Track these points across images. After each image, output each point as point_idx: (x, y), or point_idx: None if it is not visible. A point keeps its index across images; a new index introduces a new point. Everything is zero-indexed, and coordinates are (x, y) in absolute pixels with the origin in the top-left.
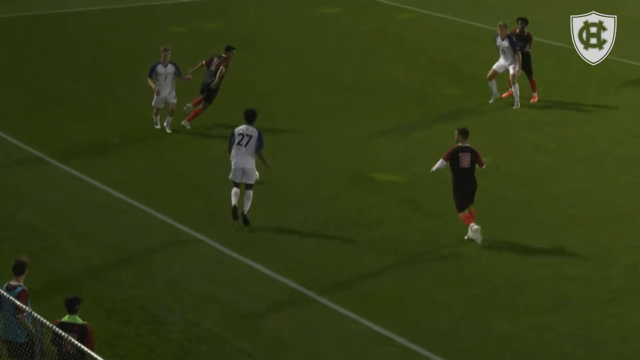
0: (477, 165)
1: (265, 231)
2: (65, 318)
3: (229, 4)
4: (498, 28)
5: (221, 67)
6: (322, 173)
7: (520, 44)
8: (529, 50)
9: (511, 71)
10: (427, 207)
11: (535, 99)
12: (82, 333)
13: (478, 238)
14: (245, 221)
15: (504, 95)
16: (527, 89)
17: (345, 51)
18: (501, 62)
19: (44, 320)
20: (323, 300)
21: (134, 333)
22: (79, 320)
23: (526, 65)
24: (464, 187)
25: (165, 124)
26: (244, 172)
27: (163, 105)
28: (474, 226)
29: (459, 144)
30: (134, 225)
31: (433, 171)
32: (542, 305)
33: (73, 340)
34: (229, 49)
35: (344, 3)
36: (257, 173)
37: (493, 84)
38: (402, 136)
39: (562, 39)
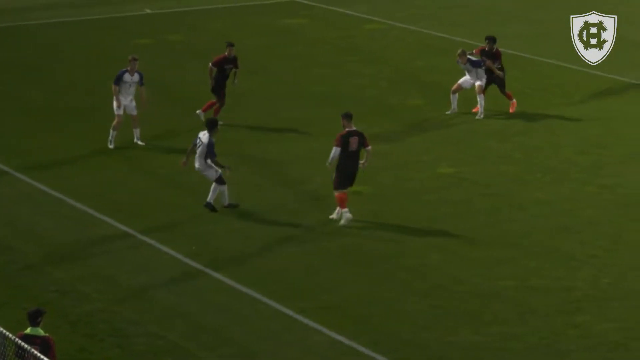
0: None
1: (229, 242)
2: (28, 330)
3: (195, 16)
4: (457, 56)
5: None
6: (289, 184)
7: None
8: (500, 66)
9: (477, 82)
10: (392, 218)
11: (514, 105)
12: (44, 345)
13: (347, 223)
14: (208, 206)
15: (474, 109)
16: (499, 101)
17: (311, 62)
18: (467, 77)
19: (7, 333)
20: (288, 312)
21: (98, 346)
22: (42, 333)
23: (499, 81)
24: (351, 169)
25: (137, 138)
26: (200, 172)
27: (123, 114)
28: (347, 214)
29: (347, 129)
30: (98, 237)
31: (329, 163)
32: (507, 315)
33: (35, 352)
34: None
35: (309, 14)
36: (215, 170)
37: (455, 98)
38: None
39: (526, 49)
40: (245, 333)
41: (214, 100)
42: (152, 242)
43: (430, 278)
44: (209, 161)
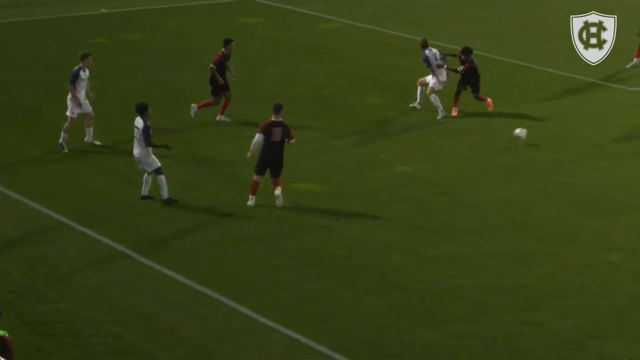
0: (286, 140)
1: (187, 242)
2: None
3: (151, 15)
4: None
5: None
6: (244, 183)
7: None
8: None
9: (431, 83)
10: (349, 217)
11: (490, 103)
12: (1, 345)
13: (280, 203)
14: (168, 201)
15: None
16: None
17: (267, 61)
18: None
19: None
20: (245, 310)
21: (56, 347)
22: None
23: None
24: (271, 158)
25: (90, 138)
26: (139, 160)
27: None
28: (251, 201)
29: (272, 119)
30: (55, 238)
31: (251, 151)
32: (464, 313)
33: None
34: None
35: (265, 13)
36: (154, 159)
37: (419, 92)
38: (325, 145)
39: (484, 48)
40: (203, 333)
41: (211, 100)
42: (109, 242)
43: (387, 277)
44: (149, 149)
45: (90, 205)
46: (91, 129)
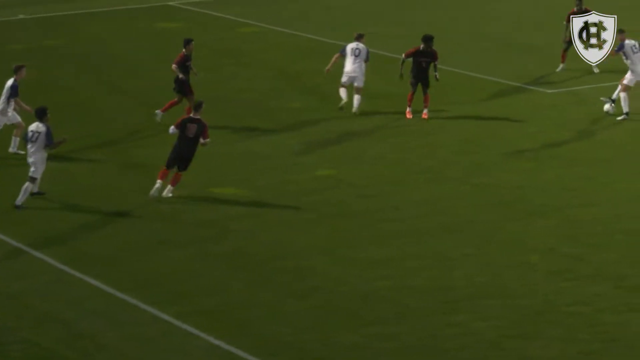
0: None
1: (106, 247)
2: None
3: (70, 20)
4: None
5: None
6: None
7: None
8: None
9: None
10: (271, 220)
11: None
12: None
13: (155, 193)
14: (16, 206)
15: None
16: (374, 102)
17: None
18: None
19: None
20: (165, 317)
21: None
22: None
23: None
24: (183, 153)
25: (15, 148)
26: (33, 164)
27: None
28: (169, 192)
29: (190, 115)
30: None
31: (170, 132)
32: (385, 315)
33: None
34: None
35: (184, 18)
36: (42, 167)
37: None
38: (246, 149)
39: (400, 50)
40: (122, 339)
41: (175, 100)
42: (26, 249)
43: (309, 279)
44: (45, 154)
45: (8, 214)
46: (18, 139)
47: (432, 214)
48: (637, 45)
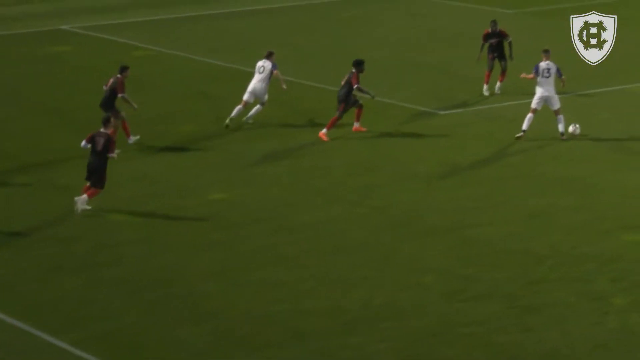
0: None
1: None
2: None
3: None
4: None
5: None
6: (59, 212)
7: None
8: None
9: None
10: (162, 246)
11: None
12: None
13: (78, 208)
14: None
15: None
16: (267, 121)
17: (76, 89)
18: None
19: None
20: (61, 344)
21: None
22: None
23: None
24: (92, 165)
25: None
26: None
27: None
28: (82, 202)
29: (99, 130)
30: None
31: (82, 146)
32: (280, 338)
33: None
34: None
35: (75, 41)
36: None
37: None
38: (139, 174)
39: (291, 73)
40: None
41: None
42: None
43: (203, 304)
44: None
45: None
46: None
47: (326, 236)
48: (548, 70)
